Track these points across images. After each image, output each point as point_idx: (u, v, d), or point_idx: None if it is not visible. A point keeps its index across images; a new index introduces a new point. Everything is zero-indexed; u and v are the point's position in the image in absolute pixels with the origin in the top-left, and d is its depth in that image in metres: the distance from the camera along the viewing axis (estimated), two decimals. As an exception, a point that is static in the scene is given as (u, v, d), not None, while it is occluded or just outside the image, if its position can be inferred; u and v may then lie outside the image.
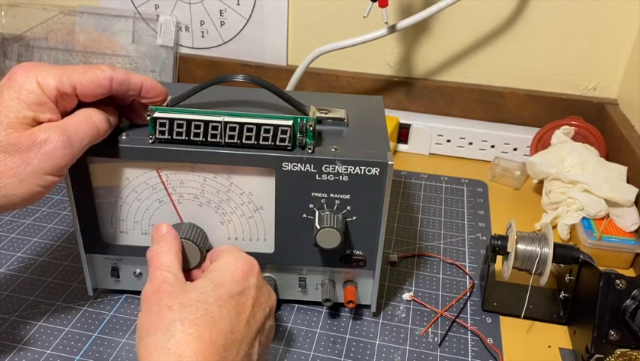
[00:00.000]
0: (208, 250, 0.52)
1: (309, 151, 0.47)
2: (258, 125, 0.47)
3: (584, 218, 0.67)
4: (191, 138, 0.47)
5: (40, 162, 0.41)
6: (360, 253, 0.52)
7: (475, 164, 0.85)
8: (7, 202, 0.41)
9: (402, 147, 0.87)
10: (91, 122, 0.44)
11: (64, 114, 0.44)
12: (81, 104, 0.45)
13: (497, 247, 0.55)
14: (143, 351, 0.37)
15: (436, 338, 0.54)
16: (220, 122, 0.46)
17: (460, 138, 0.85)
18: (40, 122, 0.42)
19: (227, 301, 0.40)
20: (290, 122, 0.47)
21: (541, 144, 0.80)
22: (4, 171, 0.41)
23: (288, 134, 0.47)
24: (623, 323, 0.48)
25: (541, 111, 0.87)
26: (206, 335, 0.37)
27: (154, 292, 0.40)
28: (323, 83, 0.92)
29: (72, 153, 0.43)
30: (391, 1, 0.78)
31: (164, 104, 0.49)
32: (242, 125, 0.46)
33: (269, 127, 0.47)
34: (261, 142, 0.47)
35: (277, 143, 0.47)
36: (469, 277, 0.62)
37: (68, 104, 0.44)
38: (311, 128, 0.47)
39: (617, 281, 0.48)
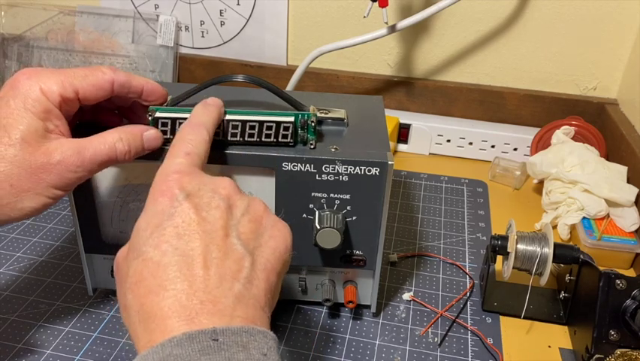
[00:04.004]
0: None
1: (311, 147, 0.48)
2: (260, 123, 0.47)
3: (584, 218, 0.67)
4: (192, 137, 0.47)
5: (52, 180, 0.41)
6: (360, 253, 0.52)
7: (475, 164, 0.85)
8: (19, 215, 0.42)
9: (402, 147, 0.87)
10: (112, 150, 0.43)
11: (67, 118, 0.44)
12: (82, 107, 0.45)
13: (497, 247, 0.55)
14: None
15: (436, 338, 0.54)
16: (222, 120, 0.46)
17: (460, 138, 0.85)
18: (50, 131, 0.42)
19: (161, 236, 0.33)
20: (292, 119, 0.47)
21: (541, 144, 0.80)
22: (19, 186, 0.41)
23: (290, 131, 0.47)
24: (623, 323, 0.48)
25: (541, 111, 0.87)
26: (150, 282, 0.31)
27: None
28: (323, 83, 0.92)
29: (85, 176, 0.43)
30: (391, 1, 0.78)
31: (165, 104, 0.49)
32: (244, 122, 0.47)
33: (271, 124, 0.47)
34: (263, 139, 0.47)
35: (279, 139, 0.47)
36: (469, 277, 0.62)
37: (71, 108, 0.44)
38: (312, 124, 0.47)
39: (617, 281, 0.48)
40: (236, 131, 0.47)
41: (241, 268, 0.33)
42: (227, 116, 0.47)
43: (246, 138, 0.47)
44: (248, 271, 0.33)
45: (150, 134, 0.46)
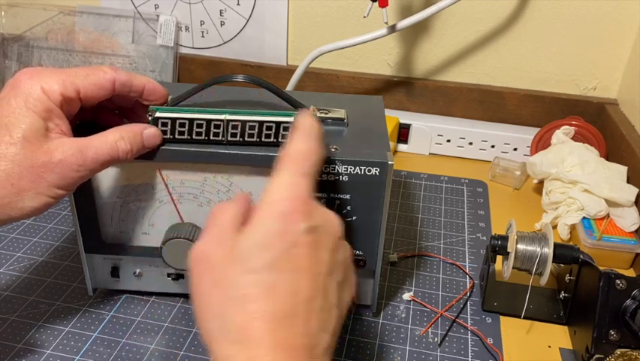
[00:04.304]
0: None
1: None
2: (260, 123, 0.47)
3: (584, 218, 0.67)
4: (194, 137, 0.47)
5: (54, 179, 0.41)
6: (360, 253, 0.52)
7: (475, 164, 0.85)
8: (20, 214, 0.42)
9: (402, 147, 0.87)
10: (114, 149, 0.44)
11: (69, 117, 0.44)
12: (83, 107, 0.45)
13: (497, 247, 0.55)
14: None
15: (436, 338, 0.54)
16: (222, 120, 0.47)
17: (460, 138, 0.85)
18: (51, 130, 0.42)
19: (276, 263, 0.34)
20: (292, 119, 0.47)
21: (541, 144, 0.80)
22: (20, 185, 0.41)
23: (290, 131, 0.47)
24: (623, 323, 0.48)
25: (541, 111, 0.87)
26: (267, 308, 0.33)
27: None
28: (323, 83, 0.92)
29: (87, 175, 0.43)
30: (391, 1, 0.78)
31: (165, 104, 0.49)
32: (244, 122, 0.47)
33: (271, 124, 0.47)
34: (263, 139, 0.47)
35: (279, 139, 0.47)
36: (469, 277, 0.62)
37: (72, 108, 0.44)
38: None
39: (617, 281, 0.48)
40: (236, 131, 0.47)
41: (331, 320, 0.35)
42: (227, 117, 0.47)
43: (245, 138, 0.47)
44: (334, 324, 0.35)
45: (150, 132, 0.46)
